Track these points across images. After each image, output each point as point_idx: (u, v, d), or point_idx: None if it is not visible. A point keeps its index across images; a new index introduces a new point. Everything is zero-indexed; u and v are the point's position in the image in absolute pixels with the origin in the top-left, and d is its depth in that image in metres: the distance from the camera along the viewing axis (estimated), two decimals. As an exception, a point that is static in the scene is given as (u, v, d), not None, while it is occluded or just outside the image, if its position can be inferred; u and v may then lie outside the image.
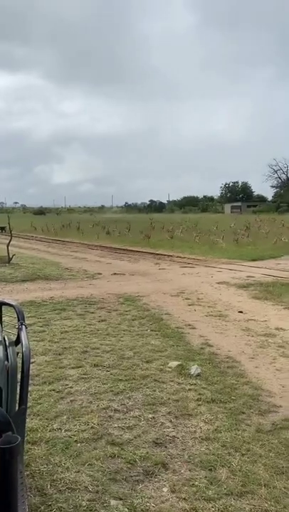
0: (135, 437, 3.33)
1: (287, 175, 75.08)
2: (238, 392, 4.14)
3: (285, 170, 75.14)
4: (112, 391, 4.12)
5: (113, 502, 2.59)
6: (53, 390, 4.11)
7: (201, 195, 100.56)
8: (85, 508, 2.53)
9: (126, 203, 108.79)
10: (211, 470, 2.93)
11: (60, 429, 3.42)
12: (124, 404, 3.87)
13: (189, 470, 2.94)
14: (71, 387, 4.19)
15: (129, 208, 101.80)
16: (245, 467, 2.96)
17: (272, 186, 79.86)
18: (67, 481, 2.76)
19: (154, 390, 4.14)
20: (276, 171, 75.79)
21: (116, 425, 3.50)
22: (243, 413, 3.74)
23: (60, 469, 2.90)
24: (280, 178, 76.49)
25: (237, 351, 5.37)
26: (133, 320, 6.74)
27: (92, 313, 7.20)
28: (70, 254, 16.53)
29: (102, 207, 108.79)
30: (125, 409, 3.77)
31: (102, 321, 6.69)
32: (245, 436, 3.36)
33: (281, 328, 6.37)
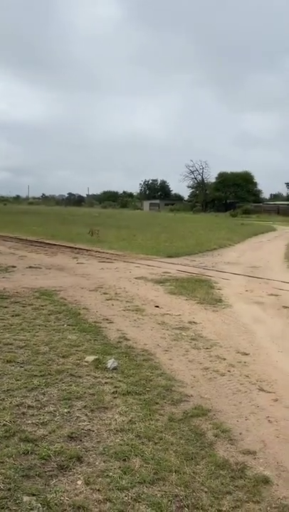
0: (50, 433, 3.29)
1: (202, 176, 78.43)
2: (153, 384, 4.28)
3: (200, 171, 78.38)
4: (26, 387, 4.01)
5: (26, 498, 2.54)
6: None
7: (121, 191, 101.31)
8: (-5, 508, 2.45)
9: (43, 194, 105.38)
10: (125, 460, 3.00)
11: None
12: (38, 400, 3.79)
13: (104, 461, 2.98)
14: (-18, 385, 4.00)
15: (46, 199, 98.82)
16: (157, 455, 3.08)
17: (189, 186, 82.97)
18: (-23, 482, 2.65)
19: (70, 385, 4.12)
20: (192, 172, 78.85)
21: (30, 421, 3.43)
22: (157, 403, 3.88)
23: None
24: (196, 178, 79.72)
25: (153, 344, 5.53)
26: (49, 315, 6.61)
27: (5, 307, 6.91)
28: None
29: (18, 197, 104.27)
30: (39, 405, 3.70)
31: (16, 315, 6.46)
32: (158, 426, 3.49)
33: (194, 322, 6.68)
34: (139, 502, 2.61)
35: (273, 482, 2.92)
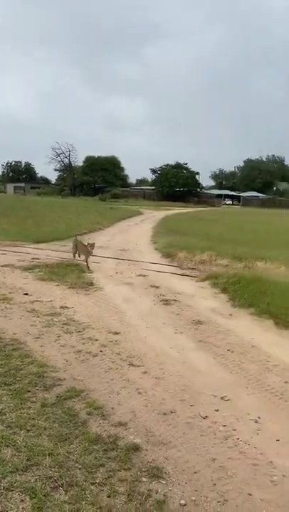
0: None
1: (69, 159, 77.09)
2: (24, 373, 4.18)
3: (67, 154, 76.91)
4: None
5: None
6: None
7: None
8: None
9: None
10: (-5, 453, 2.90)
11: None
12: None
13: (-28, 459, 2.84)
14: None
15: None
16: (30, 442, 3.05)
17: (56, 170, 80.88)
18: None
19: None
20: (59, 155, 76.72)
21: None
22: (29, 391, 3.81)
23: None
24: (62, 161, 77.87)
25: (22, 333, 5.37)
26: None
27: None
28: None
29: None
30: None
31: None
32: (30, 413, 3.44)
33: (65, 307, 6.66)
34: (12, 491, 2.57)
35: (143, 448, 3.14)
